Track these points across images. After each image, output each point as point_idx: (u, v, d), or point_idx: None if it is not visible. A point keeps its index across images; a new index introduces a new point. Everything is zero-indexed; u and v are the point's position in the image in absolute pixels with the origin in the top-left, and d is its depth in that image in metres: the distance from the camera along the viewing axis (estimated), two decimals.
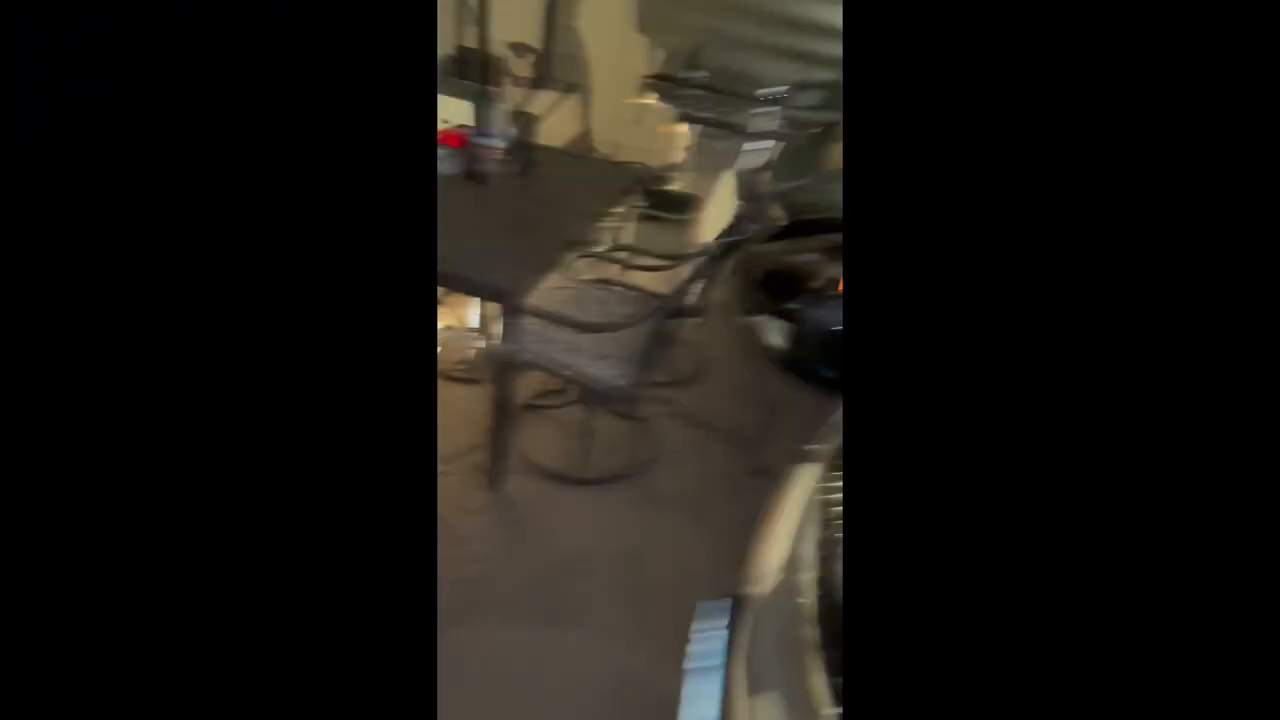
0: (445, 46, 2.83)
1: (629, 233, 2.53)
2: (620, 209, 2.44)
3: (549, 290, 1.91)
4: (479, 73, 2.92)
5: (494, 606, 1.48)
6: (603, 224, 2.23)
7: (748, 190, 2.08)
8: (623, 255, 2.11)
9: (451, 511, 1.68)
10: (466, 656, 1.36)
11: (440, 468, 1.78)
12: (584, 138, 3.00)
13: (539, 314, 1.69)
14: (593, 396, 1.80)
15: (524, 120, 2.17)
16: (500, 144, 2.19)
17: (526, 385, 2.09)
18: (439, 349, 2.21)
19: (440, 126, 2.13)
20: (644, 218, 2.71)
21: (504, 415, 1.70)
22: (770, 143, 2.76)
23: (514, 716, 1.30)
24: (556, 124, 2.85)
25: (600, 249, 2.12)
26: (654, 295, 1.81)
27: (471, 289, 1.59)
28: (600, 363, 1.68)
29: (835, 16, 3.22)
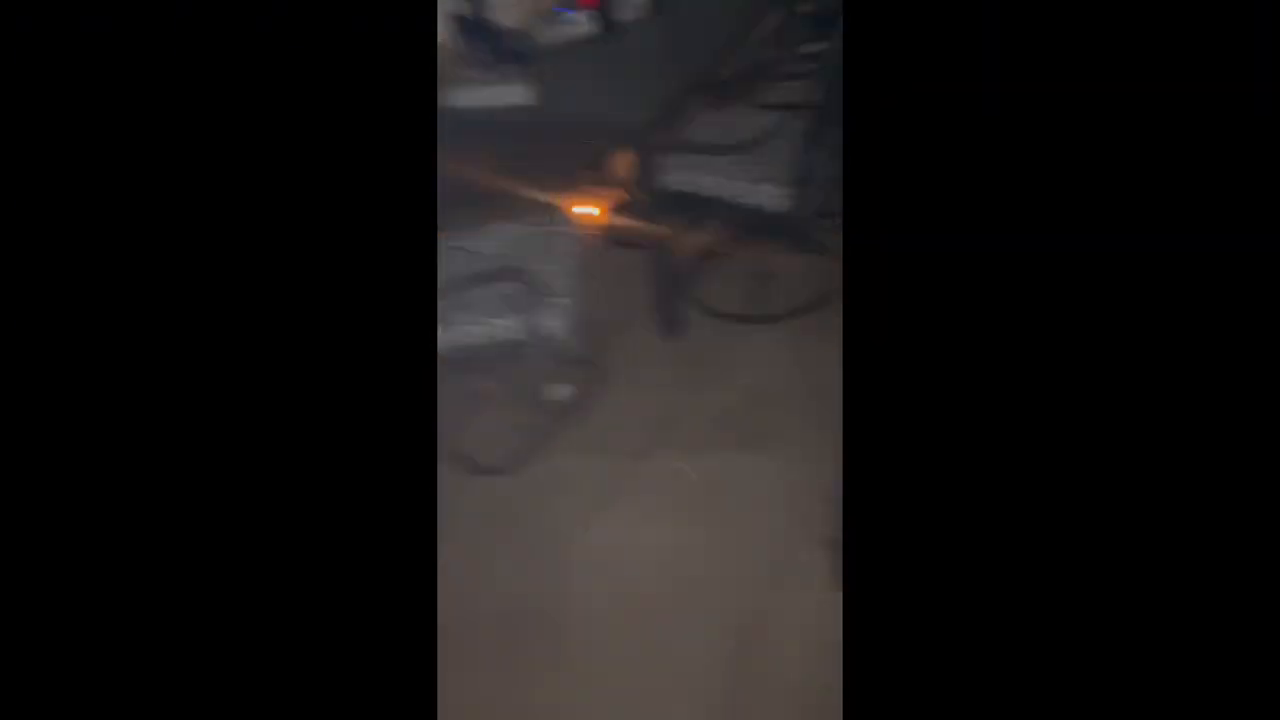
0: None
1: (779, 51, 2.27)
2: (771, 28, 2.20)
3: (697, 127, 1.83)
4: None
5: (680, 440, 1.55)
6: (750, 49, 2.03)
7: None
8: (783, 68, 1.92)
9: (627, 362, 1.76)
10: (653, 486, 1.45)
11: (613, 335, 1.86)
12: None
13: (687, 148, 1.63)
14: (757, 227, 1.71)
15: None
16: None
17: (694, 240, 2.06)
18: (597, 212, 2.26)
19: None
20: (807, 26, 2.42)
21: (667, 266, 1.71)
22: None
23: (705, 530, 1.37)
24: None
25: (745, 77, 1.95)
26: (809, 108, 1.62)
27: (615, 138, 1.57)
28: (762, 186, 1.59)
29: None
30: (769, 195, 1.58)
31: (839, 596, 0.89)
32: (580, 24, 2.07)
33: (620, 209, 2.25)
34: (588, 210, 2.21)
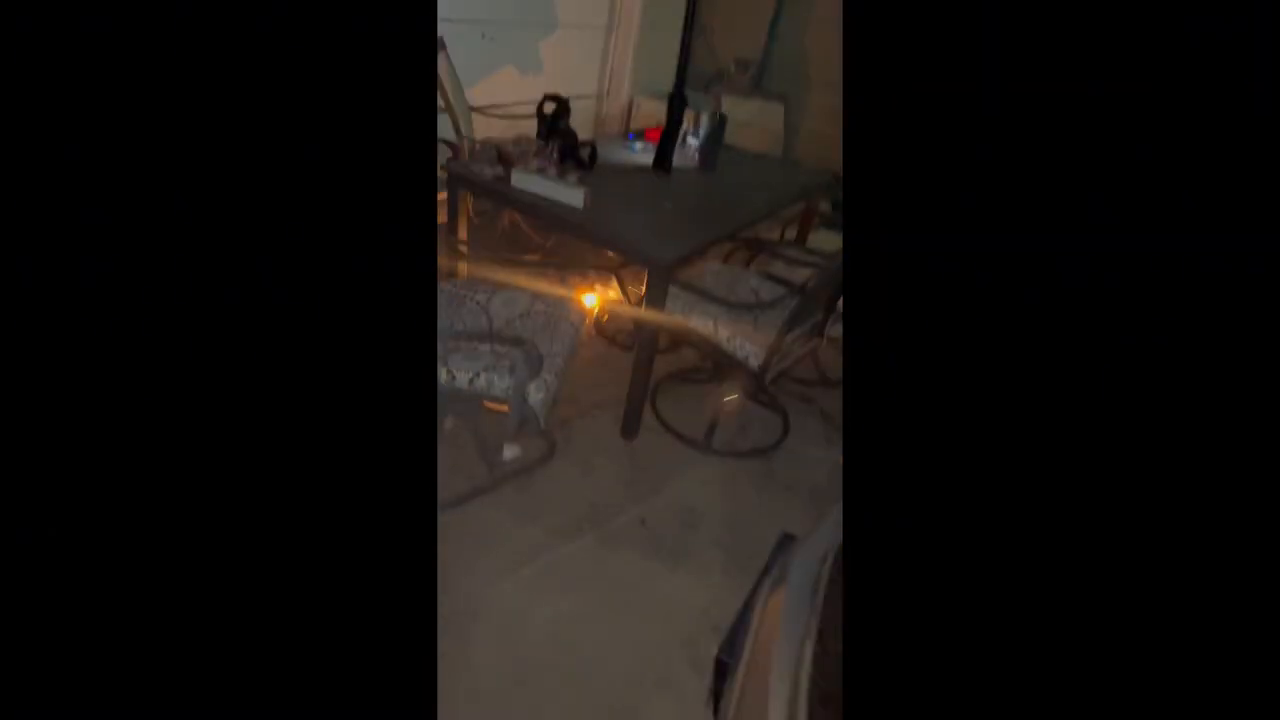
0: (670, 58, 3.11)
1: (807, 234, 2.62)
2: (796, 210, 2.54)
3: (710, 272, 2.09)
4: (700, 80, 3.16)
5: (612, 532, 1.70)
6: (775, 221, 2.35)
7: None
8: (789, 252, 2.23)
9: (591, 447, 1.93)
10: (580, 569, 1.58)
11: (577, 418, 2.05)
12: (780, 143, 3.12)
13: (691, 289, 1.87)
14: (730, 373, 1.94)
15: (718, 122, 2.37)
16: (694, 141, 2.41)
17: (677, 359, 2.29)
18: (604, 317, 2.49)
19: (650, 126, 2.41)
20: (824, 223, 2.78)
21: (643, 376, 1.91)
22: None
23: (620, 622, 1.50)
24: (756, 130, 3.01)
25: (767, 242, 2.24)
26: (806, 290, 1.90)
27: (639, 259, 1.81)
28: (745, 344, 1.82)
29: None
30: (749, 352, 1.82)
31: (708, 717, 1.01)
32: (639, 153, 2.38)
33: (621, 316, 2.48)
34: (593, 306, 2.43)
